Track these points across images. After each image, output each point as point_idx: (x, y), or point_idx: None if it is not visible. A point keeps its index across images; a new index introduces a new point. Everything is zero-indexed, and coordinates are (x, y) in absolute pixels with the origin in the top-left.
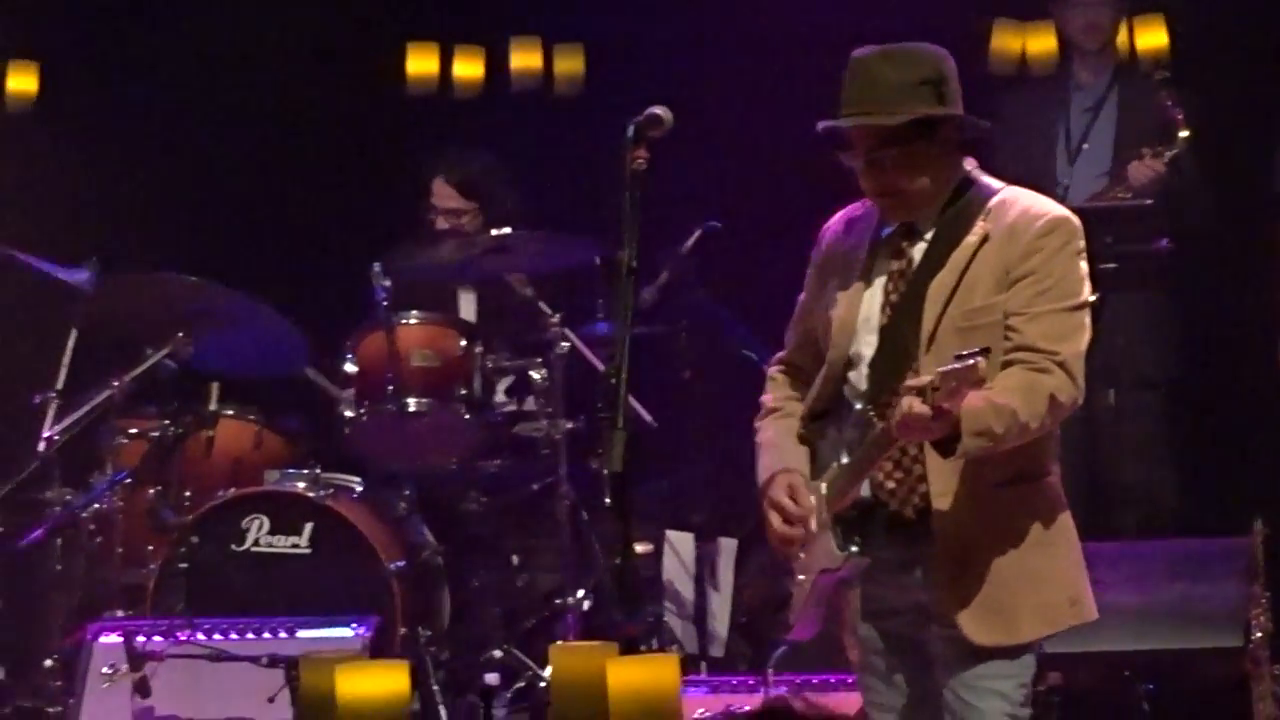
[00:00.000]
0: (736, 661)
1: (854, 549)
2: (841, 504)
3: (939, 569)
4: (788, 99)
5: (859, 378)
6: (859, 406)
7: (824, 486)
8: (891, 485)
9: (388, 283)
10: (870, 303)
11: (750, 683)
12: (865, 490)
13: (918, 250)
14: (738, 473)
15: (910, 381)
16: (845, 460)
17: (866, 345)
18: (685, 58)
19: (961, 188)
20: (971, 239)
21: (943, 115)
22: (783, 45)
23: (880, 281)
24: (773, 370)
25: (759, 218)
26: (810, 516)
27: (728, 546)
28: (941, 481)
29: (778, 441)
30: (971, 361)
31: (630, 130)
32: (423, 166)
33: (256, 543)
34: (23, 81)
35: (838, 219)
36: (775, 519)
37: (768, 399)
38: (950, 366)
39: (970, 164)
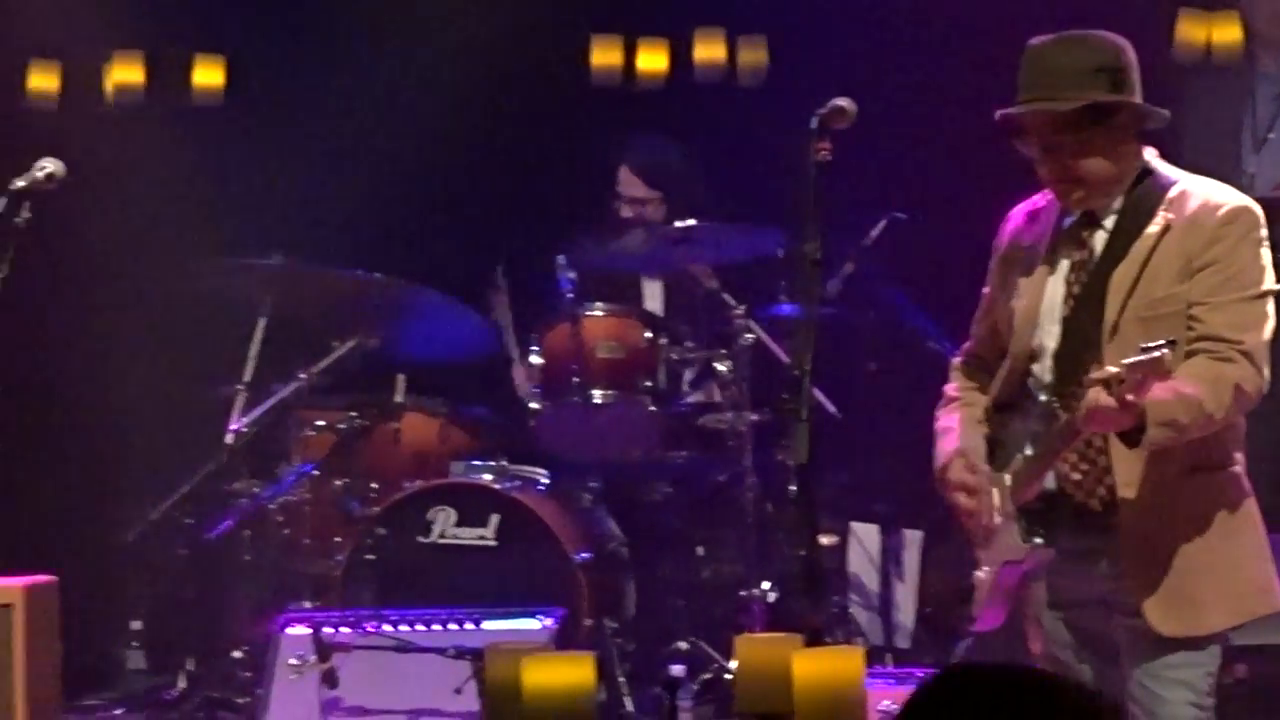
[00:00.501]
0: (921, 653)
1: (1038, 540)
2: (1026, 496)
3: (1125, 559)
4: (971, 89)
5: (1043, 369)
6: (1043, 398)
7: (1008, 478)
8: (1077, 477)
9: (573, 274)
10: (1053, 293)
11: None
12: (1050, 482)
13: (1098, 240)
14: (922, 464)
15: (1096, 374)
16: (1030, 452)
17: (1050, 336)
18: (868, 48)
19: (1141, 177)
20: (1153, 229)
21: (1117, 102)
22: (965, 34)
23: (1063, 272)
24: (957, 361)
25: (943, 208)
26: (987, 489)
27: (913, 538)
28: (1127, 472)
29: (954, 427)
30: (1158, 353)
31: (814, 122)
32: (610, 153)
33: (443, 534)
34: (209, 75)
35: (1020, 210)
36: (960, 498)
37: (950, 389)
38: (1136, 358)
39: (1151, 154)
